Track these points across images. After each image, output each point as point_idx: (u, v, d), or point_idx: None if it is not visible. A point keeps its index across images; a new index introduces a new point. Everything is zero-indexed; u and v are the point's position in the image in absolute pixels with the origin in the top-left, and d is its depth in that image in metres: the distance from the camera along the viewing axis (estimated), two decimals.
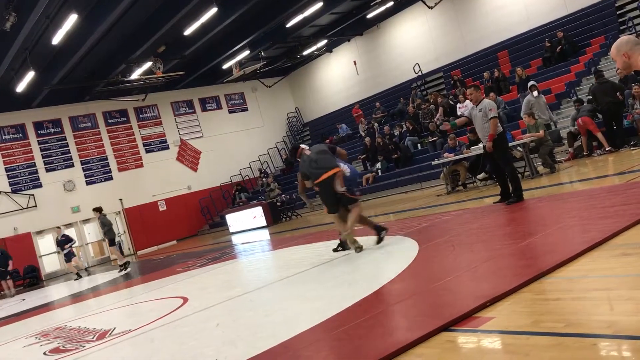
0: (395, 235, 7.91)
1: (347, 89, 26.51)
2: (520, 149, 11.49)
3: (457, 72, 20.37)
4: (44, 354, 6.19)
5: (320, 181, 7.19)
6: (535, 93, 13.25)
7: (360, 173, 7.47)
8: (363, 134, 21.52)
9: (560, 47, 16.71)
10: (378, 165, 18.59)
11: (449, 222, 8.25)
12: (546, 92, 14.70)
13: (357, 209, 7.27)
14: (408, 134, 18.84)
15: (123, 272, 14.61)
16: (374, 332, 3.92)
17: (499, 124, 8.12)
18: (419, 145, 18.44)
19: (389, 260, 6.48)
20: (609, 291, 3.58)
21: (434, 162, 13.39)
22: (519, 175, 9.26)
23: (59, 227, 18.41)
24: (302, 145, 7.75)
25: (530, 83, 13.79)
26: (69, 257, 17.42)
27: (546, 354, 2.80)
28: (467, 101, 17.14)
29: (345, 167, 7.48)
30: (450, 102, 17.92)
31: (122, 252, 17.10)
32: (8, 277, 17.17)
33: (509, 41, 19.55)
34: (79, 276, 16.67)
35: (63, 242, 17.36)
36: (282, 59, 25.69)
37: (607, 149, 11.52)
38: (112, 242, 15.17)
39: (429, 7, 20.81)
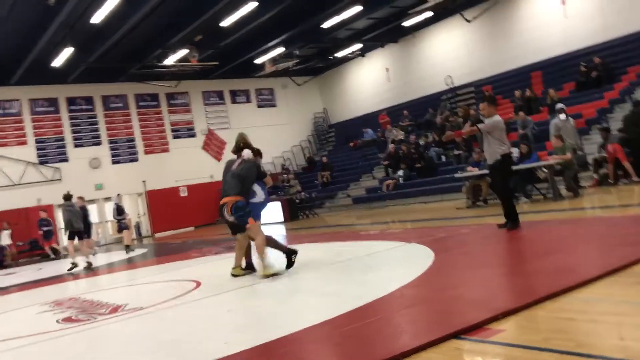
0: (411, 243, 7.92)
1: (376, 94, 26.50)
2: (545, 170, 11.41)
3: (488, 87, 20.27)
4: (57, 321, 6.32)
5: (220, 204, 7.20)
6: (562, 116, 13.13)
7: (266, 203, 7.27)
8: (387, 140, 21.51)
9: (596, 73, 16.51)
10: (400, 172, 18.57)
11: (466, 235, 8.23)
12: (576, 117, 14.53)
13: (258, 237, 7.03)
14: (433, 145, 18.79)
15: (71, 270, 12.81)
16: (382, 333, 3.95)
17: (505, 143, 7.61)
18: (443, 156, 18.37)
19: (403, 266, 6.50)
20: (623, 317, 3.56)
21: (456, 175, 13.34)
22: (514, 200, 8.75)
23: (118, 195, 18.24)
24: (245, 151, 7.63)
25: (559, 106, 13.65)
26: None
27: None
28: (496, 116, 17.11)
29: (259, 194, 7.32)
30: (480, 117, 17.79)
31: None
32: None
33: (544, 62, 19.36)
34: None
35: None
36: (315, 59, 25.77)
37: (633, 179, 11.38)
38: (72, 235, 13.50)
39: (467, 20, 20.75)
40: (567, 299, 4.05)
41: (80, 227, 13.25)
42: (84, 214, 14.86)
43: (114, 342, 5.03)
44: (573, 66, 17.94)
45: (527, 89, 17.92)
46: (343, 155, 25.25)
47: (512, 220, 7.64)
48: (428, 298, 4.73)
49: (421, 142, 19.51)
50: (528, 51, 19.92)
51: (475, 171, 12.48)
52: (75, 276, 11.99)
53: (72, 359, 4.59)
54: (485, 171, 12.18)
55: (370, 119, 25.70)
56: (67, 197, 13.30)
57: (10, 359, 4.87)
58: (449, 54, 22.97)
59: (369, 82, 27.02)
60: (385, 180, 18.78)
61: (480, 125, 7.55)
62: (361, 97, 27.41)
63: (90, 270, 12.70)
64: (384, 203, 17.65)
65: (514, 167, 11.50)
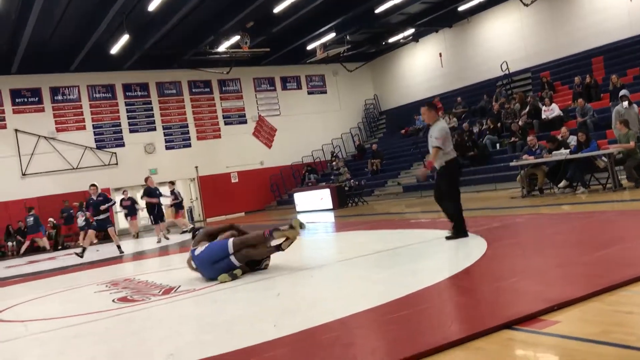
0: None
1: (428, 80, 26.08)
2: (605, 160, 11.00)
3: (546, 73, 19.63)
4: (113, 301, 6.52)
5: None
6: (625, 104, 12.58)
7: (213, 259, 6.86)
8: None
9: None
10: None
11: (521, 225, 8.03)
12: None
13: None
14: (488, 133, 18.38)
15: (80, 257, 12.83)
16: (432, 321, 3.90)
17: (450, 152, 7.13)
18: (497, 145, 17.95)
19: (455, 255, 6.39)
20: None
21: (512, 163, 13.01)
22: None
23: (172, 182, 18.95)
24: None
25: (622, 92, 13.10)
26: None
27: None
28: (554, 104, 16.61)
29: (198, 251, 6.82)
30: (539, 104, 17.30)
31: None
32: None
33: (606, 47, 18.60)
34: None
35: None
36: (367, 44, 25.54)
37: None
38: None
39: (524, 4, 20.11)
40: (627, 293, 3.89)
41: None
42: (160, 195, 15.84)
43: (168, 322, 5.15)
44: (638, 51, 17.16)
45: (588, 75, 17.27)
46: (394, 143, 25.02)
47: (457, 230, 7.14)
48: (480, 288, 4.64)
49: (475, 129, 19.12)
50: (589, 35, 19.17)
51: (530, 159, 12.13)
52: (130, 258, 12.38)
53: (127, 336, 4.73)
54: (542, 159, 11.89)
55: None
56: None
57: (71, 335, 5.05)
58: (505, 38, 22.36)
59: (422, 67, 26.60)
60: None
61: (436, 145, 7.07)
62: (413, 83, 27.04)
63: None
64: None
65: (573, 156, 11.19)
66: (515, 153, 15.61)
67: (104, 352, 4.28)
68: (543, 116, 16.61)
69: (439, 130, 7.10)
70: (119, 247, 13.36)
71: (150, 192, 15.59)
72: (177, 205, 17.92)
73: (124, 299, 6.52)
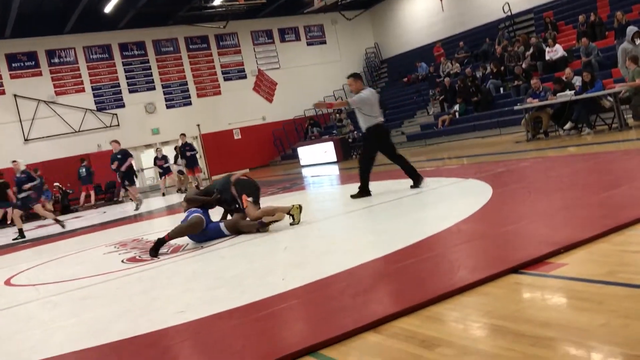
0: (468, 179, 7.75)
1: (429, 25, 25.57)
2: (610, 99, 10.84)
3: (549, 13, 19.19)
4: (122, 261, 6.59)
5: None
6: (638, 41, 12.21)
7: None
8: (442, 74, 20.91)
9: None
10: (456, 107, 18.08)
11: (526, 169, 7.98)
12: None
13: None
14: (491, 77, 18.12)
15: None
16: (439, 268, 3.91)
17: (375, 116, 7.80)
18: (501, 89, 17.73)
19: (460, 201, 6.37)
20: None
21: (516, 107, 12.87)
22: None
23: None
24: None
25: (632, 29, 12.73)
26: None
27: (621, 304, 2.70)
28: (557, 45, 16.29)
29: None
30: (542, 45, 16.96)
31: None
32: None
33: None
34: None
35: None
36: None
37: None
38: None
39: None
40: (634, 232, 3.87)
41: None
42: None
43: (178, 279, 5.20)
44: None
45: (592, 12, 16.85)
46: (396, 92, 24.75)
47: (362, 191, 7.95)
48: (486, 233, 4.63)
49: (478, 74, 18.86)
50: None
51: (535, 102, 11.98)
52: (137, 218, 12.45)
53: (138, 296, 4.78)
54: (547, 102, 11.74)
55: (424, 52, 24.93)
56: None
57: (82, 297, 5.12)
58: None
59: (423, 12, 26.02)
60: (441, 116, 18.35)
61: (349, 100, 7.97)
62: (414, 29, 26.54)
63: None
64: (440, 139, 17.32)
65: (578, 97, 11.04)
66: (519, 97, 15.42)
67: (115, 312, 4.33)
68: (547, 57, 16.32)
69: (358, 96, 7.83)
70: (57, 221, 12.60)
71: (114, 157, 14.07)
72: (165, 170, 18.06)
73: (133, 259, 6.59)
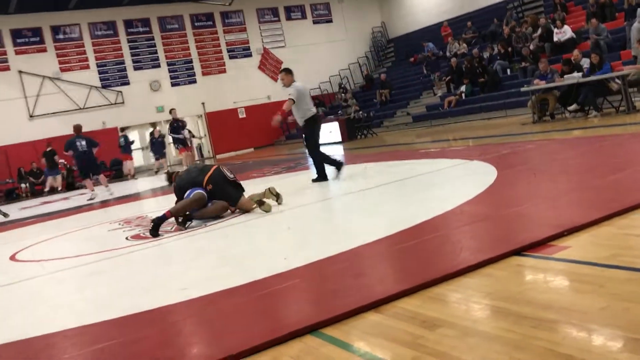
0: (473, 160, 7.72)
1: (437, 5, 25.29)
2: (618, 81, 10.73)
3: None
4: (126, 238, 6.62)
5: None
6: None
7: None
8: (449, 54, 20.73)
9: None
10: (462, 88, 17.95)
11: (532, 151, 7.94)
12: None
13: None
14: (498, 58, 17.96)
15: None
16: (442, 249, 3.92)
17: (309, 108, 8.48)
18: (508, 70, 17.56)
19: (464, 183, 6.36)
20: None
21: (522, 89, 12.76)
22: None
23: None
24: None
25: None
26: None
27: (623, 287, 2.70)
28: (566, 26, 16.10)
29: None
30: (551, 26, 16.75)
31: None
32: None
33: None
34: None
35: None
36: None
37: None
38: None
39: None
40: (638, 216, 3.86)
41: None
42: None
43: (181, 257, 5.23)
44: None
45: None
46: (403, 72, 24.56)
47: (320, 176, 8.52)
48: (489, 215, 4.62)
49: (485, 55, 18.68)
50: None
51: (542, 84, 11.88)
52: (142, 196, 12.49)
53: (142, 273, 4.81)
54: (554, 84, 11.64)
55: (431, 32, 24.68)
56: None
57: (87, 273, 5.15)
58: None
59: None
60: (447, 97, 18.23)
61: (291, 97, 8.36)
62: (421, 9, 26.25)
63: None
64: (446, 120, 17.23)
65: (585, 80, 10.93)
66: (526, 78, 15.28)
67: (119, 289, 4.37)
68: (555, 39, 16.13)
69: (293, 89, 8.37)
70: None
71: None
72: (155, 150, 17.96)
73: (137, 237, 6.62)
